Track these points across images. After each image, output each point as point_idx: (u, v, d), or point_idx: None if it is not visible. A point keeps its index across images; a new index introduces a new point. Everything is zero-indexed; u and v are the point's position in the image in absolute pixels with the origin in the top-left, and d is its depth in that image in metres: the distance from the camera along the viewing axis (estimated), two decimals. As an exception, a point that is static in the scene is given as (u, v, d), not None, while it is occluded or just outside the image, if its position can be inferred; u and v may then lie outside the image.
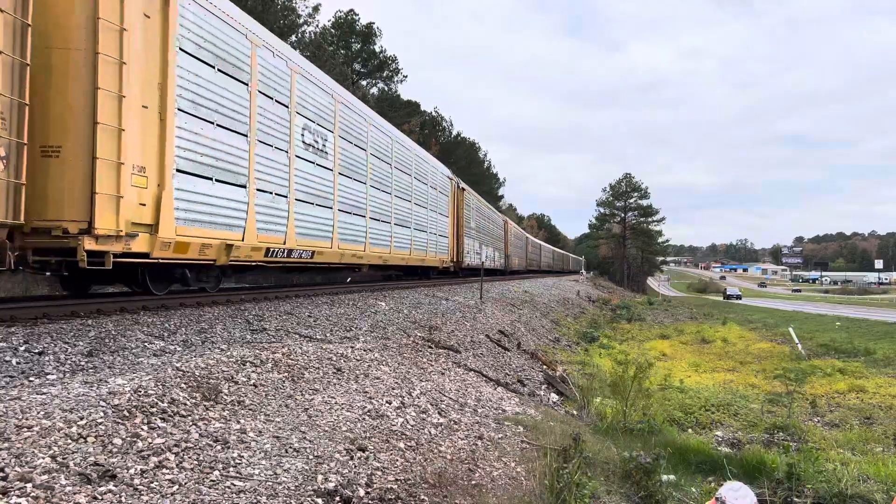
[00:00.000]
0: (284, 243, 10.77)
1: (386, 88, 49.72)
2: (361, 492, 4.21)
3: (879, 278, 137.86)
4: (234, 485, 3.72)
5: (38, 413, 3.81)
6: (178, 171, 7.99)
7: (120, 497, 3.24)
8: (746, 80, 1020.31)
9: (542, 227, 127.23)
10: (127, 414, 4.10)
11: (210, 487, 3.61)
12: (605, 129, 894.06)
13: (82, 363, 5.32)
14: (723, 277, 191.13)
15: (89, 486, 3.24)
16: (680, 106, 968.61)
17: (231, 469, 3.91)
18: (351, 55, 46.52)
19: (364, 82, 47.38)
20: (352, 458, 4.66)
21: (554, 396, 11.38)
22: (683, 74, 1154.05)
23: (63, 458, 3.41)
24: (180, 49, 8.07)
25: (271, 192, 10.33)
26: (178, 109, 8.03)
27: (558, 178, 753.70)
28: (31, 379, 4.70)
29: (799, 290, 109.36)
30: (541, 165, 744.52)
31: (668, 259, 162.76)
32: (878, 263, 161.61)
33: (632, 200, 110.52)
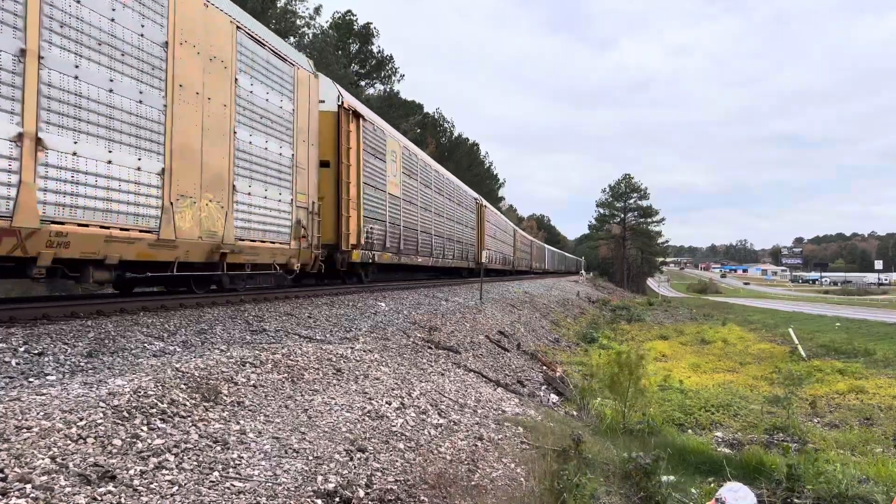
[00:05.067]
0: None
1: (385, 89, 49.78)
2: (361, 492, 4.21)
3: (879, 279, 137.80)
4: (234, 485, 3.72)
5: (38, 414, 3.81)
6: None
7: (119, 498, 3.24)
8: (738, 78, 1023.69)
9: (541, 227, 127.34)
10: (126, 415, 4.10)
11: (210, 488, 3.61)
12: (600, 129, 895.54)
13: (82, 364, 5.32)
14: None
15: (89, 487, 3.24)
16: (673, 105, 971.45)
17: (231, 470, 3.91)
18: (349, 56, 46.56)
19: (363, 83, 47.39)
20: (351, 459, 4.66)
21: (554, 397, 11.37)
22: (674, 72, 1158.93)
23: (63, 459, 3.41)
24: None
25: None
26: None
27: (556, 179, 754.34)
28: (30, 380, 4.70)
29: (748, 284, 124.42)
30: (538, 165, 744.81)
31: (668, 260, 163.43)
32: (878, 264, 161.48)
33: (631, 201, 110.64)
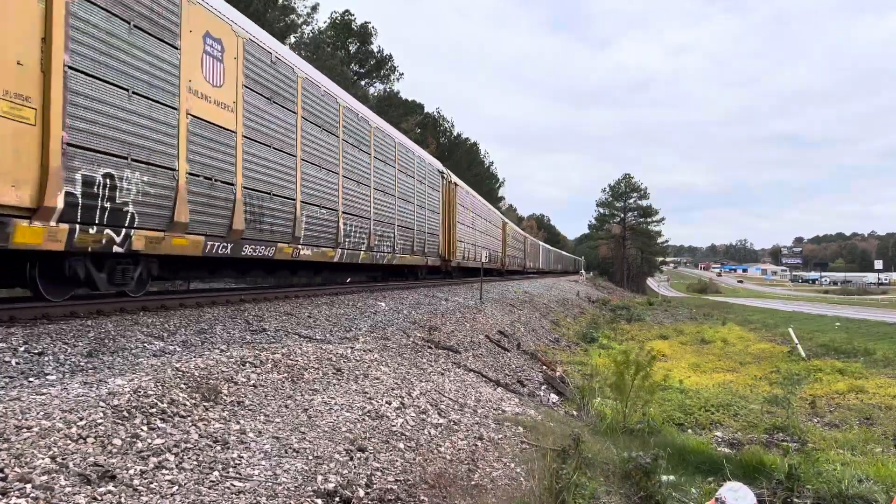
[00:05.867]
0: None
1: (384, 88, 49.85)
2: (361, 492, 4.21)
3: (879, 279, 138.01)
4: (234, 485, 3.72)
5: (38, 414, 3.81)
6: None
7: (119, 498, 3.23)
8: (738, 78, 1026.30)
9: (541, 227, 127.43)
10: (126, 414, 4.10)
11: (210, 488, 3.61)
12: (600, 129, 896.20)
13: (82, 364, 5.32)
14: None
15: (89, 487, 3.24)
16: (673, 105, 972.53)
17: (231, 469, 3.91)
18: (348, 56, 46.57)
19: (363, 82, 47.41)
20: (351, 459, 4.66)
21: (553, 397, 11.38)
22: (674, 72, 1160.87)
23: (63, 459, 3.41)
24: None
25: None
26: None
27: (556, 179, 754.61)
28: (30, 379, 4.70)
29: (742, 282, 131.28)
30: (538, 165, 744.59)
31: (668, 259, 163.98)
32: (878, 264, 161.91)
33: (631, 201, 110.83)
